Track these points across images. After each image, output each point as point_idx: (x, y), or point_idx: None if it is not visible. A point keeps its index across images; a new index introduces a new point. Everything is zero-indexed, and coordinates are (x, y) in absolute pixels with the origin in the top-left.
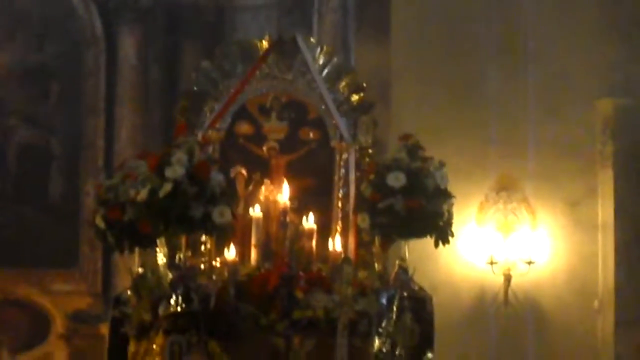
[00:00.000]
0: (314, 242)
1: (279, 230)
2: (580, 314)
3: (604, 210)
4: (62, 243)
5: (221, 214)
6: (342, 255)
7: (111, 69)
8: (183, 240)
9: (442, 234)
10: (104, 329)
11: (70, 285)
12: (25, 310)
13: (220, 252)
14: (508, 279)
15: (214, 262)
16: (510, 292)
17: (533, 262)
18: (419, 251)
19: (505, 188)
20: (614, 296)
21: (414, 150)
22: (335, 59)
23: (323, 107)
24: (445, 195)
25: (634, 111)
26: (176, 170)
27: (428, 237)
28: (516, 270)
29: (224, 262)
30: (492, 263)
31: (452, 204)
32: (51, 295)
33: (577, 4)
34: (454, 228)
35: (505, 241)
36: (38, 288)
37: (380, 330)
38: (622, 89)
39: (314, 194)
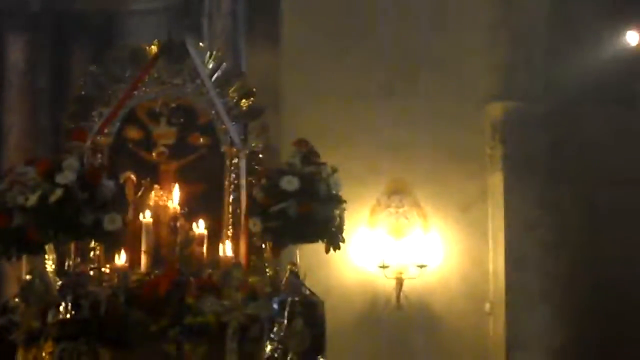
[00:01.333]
0: (204, 248)
1: (170, 236)
2: (471, 316)
3: (495, 214)
4: None
5: (112, 221)
6: (233, 261)
7: None
8: (72, 246)
9: (334, 239)
10: None
11: None
12: None
13: (110, 259)
14: (400, 282)
15: (103, 269)
16: (402, 295)
17: (425, 266)
18: (311, 256)
19: (397, 192)
20: (504, 299)
21: (308, 155)
22: (225, 64)
23: (213, 112)
24: (337, 201)
25: (523, 114)
26: (67, 175)
27: (320, 242)
28: (408, 273)
29: (114, 269)
30: (383, 267)
31: (343, 209)
32: None
33: (469, 6)
34: (346, 232)
35: (397, 245)
36: None
37: (272, 335)
38: (512, 92)
39: (205, 199)
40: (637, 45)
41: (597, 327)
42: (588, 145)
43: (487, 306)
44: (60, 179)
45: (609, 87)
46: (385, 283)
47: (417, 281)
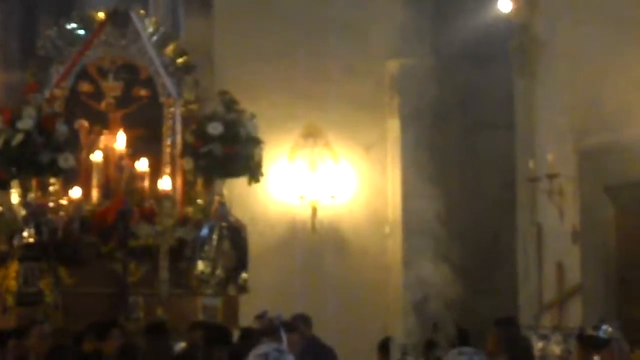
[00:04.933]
0: (146, 183)
1: (116, 173)
2: (373, 237)
3: (392, 153)
4: None
5: (65, 160)
6: (166, 193)
7: None
8: (34, 182)
9: (254, 174)
10: None
11: None
12: None
13: (66, 192)
14: (314, 210)
15: (61, 201)
16: (316, 221)
17: (334, 197)
18: (239, 189)
19: (312, 135)
20: (400, 222)
21: (229, 103)
22: (162, 28)
23: (152, 68)
24: (256, 142)
25: (415, 69)
26: (26, 122)
27: (243, 177)
28: (321, 203)
29: (70, 200)
30: (301, 198)
31: (262, 149)
32: None
33: None
34: (268, 170)
35: (312, 178)
36: None
37: (203, 255)
38: (406, 50)
39: (146, 142)
40: (509, 12)
41: (477, 240)
42: (468, 94)
43: (387, 229)
44: (20, 125)
45: (486, 46)
46: (302, 211)
47: (329, 209)
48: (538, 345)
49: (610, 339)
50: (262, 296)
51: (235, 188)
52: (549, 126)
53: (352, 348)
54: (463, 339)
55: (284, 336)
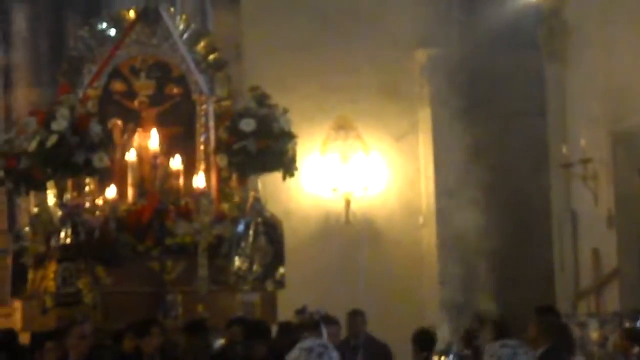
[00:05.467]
0: (181, 180)
1: (151, 172)
2: (407, 229)
3: (424, 143)
4: None
5: (100, 159)
6: (202, 190)
7: (7, 41)
8: (69, 183)
9: (288, 168)
10: (9, 260)
11: None
12: None
13: (101, 192)
14: (348, 202)
15: (96, 201)
16: (350, 213)
17: (367, 188)
18: (273, 184)
19: (343, 127)
20: (434, 214)
21: (261, 99)
22: (192, 25)
23: (184, 66)
24: (289, 136)
25: (444, 59)
26: (60, 123)
27: (277, 172)
28: (354, 195)
29: (105, 200)
30: (334, 190)
31: (295, 144)
32: None
33: None
34: (300, 163)
35: (344, 169)
36: None
37: (240, 251)
38: (434, 40)
39: (180, 139)
40: None
41: (512, 228)
42: (498, 81)
43: (421, 219)
44: (54, 126)
45: (515, 34)
46: (336, 203)
47: (362, 201)
48: (576, 332)
49: None
50: (298, 290)
51: (269, 183)
52: (581, 111)
53: (387, 339)
54: (503, 329)
55: (324, 330)
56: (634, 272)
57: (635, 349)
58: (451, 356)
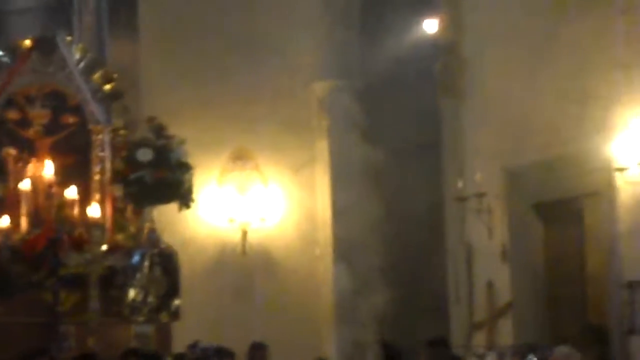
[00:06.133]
0: (76, 210)
1: (46, 201)
2: (304, 260)
3: (321, 174)
4: None
5: None
6: (96, 221)
7: None
8: None
9: (184, 199)
10: None
11: None
12: None
13: None
14: (245, 233)
15: None
16: (247, 244)
17: (265, 219)
18: (170, 214)
19: (241, 158)
20: (331, 244)
21: (158, 129)
22: (89, 55)
23: (80, 95)
24: (185, 167)
25: (343, 91)
26: None
27: (174, 203)
28: (251, 226)
29: None
30: (231, 221)
31: (192, 174)
32: None
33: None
34: (197, 193)
35: (241, 200)
36: None
37: (135, 282)
38: (333, 71)
39: (75, 169)
40: (434, 32)
41: (407, 260)
42: (397, 114)
43: (317, 251)
44: None
45: (414, 66)
46: (232, 234)
47: (259, 232)
48: None
49: None
50: (193, 321)
51: (166, 212)
52: (476, 146)
53: None
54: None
55: None
56: (528, 305)
57: None
58: None
